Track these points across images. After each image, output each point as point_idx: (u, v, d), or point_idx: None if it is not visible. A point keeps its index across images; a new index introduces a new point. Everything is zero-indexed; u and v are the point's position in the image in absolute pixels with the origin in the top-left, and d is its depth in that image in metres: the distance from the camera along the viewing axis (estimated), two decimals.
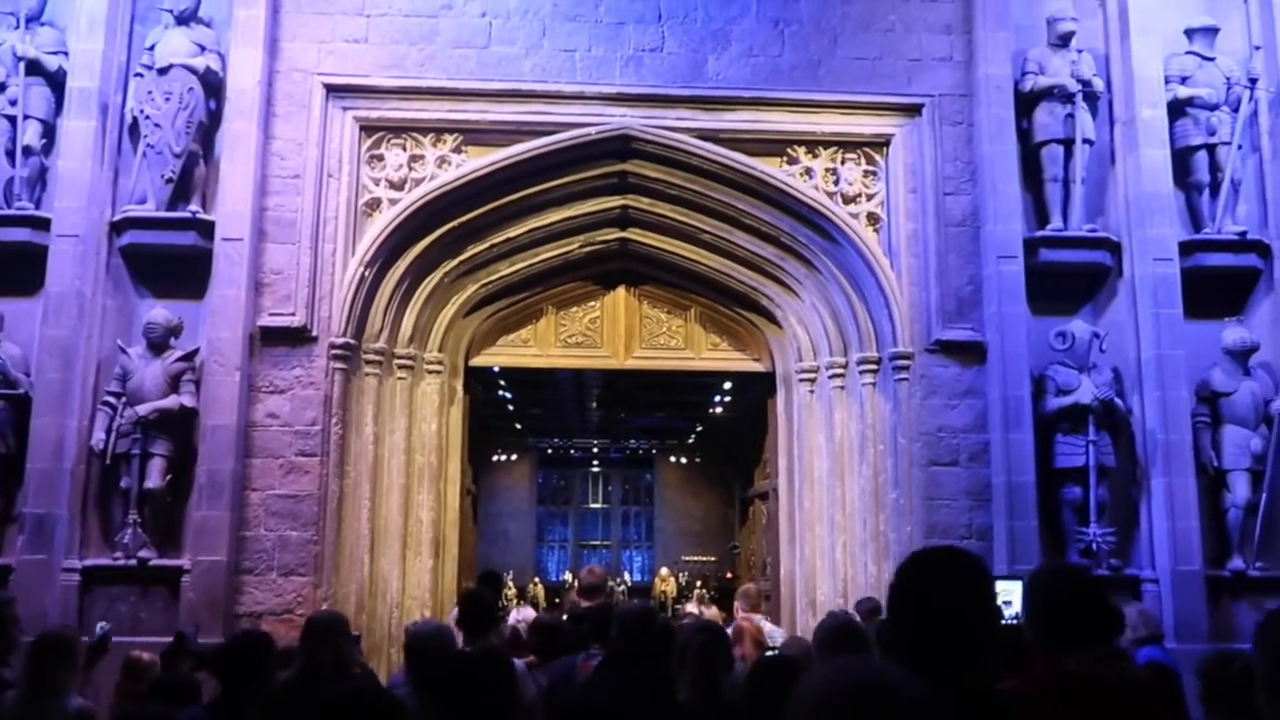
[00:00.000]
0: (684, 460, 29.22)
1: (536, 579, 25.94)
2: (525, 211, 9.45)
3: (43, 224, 8.72)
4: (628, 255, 9.89)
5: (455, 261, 9.41)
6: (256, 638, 4.75)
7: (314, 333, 8.78)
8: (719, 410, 21.05)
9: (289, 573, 8.50)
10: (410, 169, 9.15)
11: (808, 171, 9.30)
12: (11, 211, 8.79)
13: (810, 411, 9.61)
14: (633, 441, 29.10)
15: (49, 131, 8.94)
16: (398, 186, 9.13)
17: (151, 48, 9.06)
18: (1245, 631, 6.91)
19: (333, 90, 9.07)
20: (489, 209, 9.31)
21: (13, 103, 8.91)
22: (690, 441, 27.81)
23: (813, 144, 9.32)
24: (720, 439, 24.79)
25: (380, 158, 9.18)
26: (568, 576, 25.71)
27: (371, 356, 9.07)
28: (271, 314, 8.78)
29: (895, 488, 8.94)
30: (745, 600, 8.00)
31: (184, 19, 9.10)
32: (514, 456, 29.49)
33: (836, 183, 9.31)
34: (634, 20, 9.36)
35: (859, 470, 9.18)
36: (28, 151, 8.87)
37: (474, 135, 9.20)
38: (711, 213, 9.53)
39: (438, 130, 9.18)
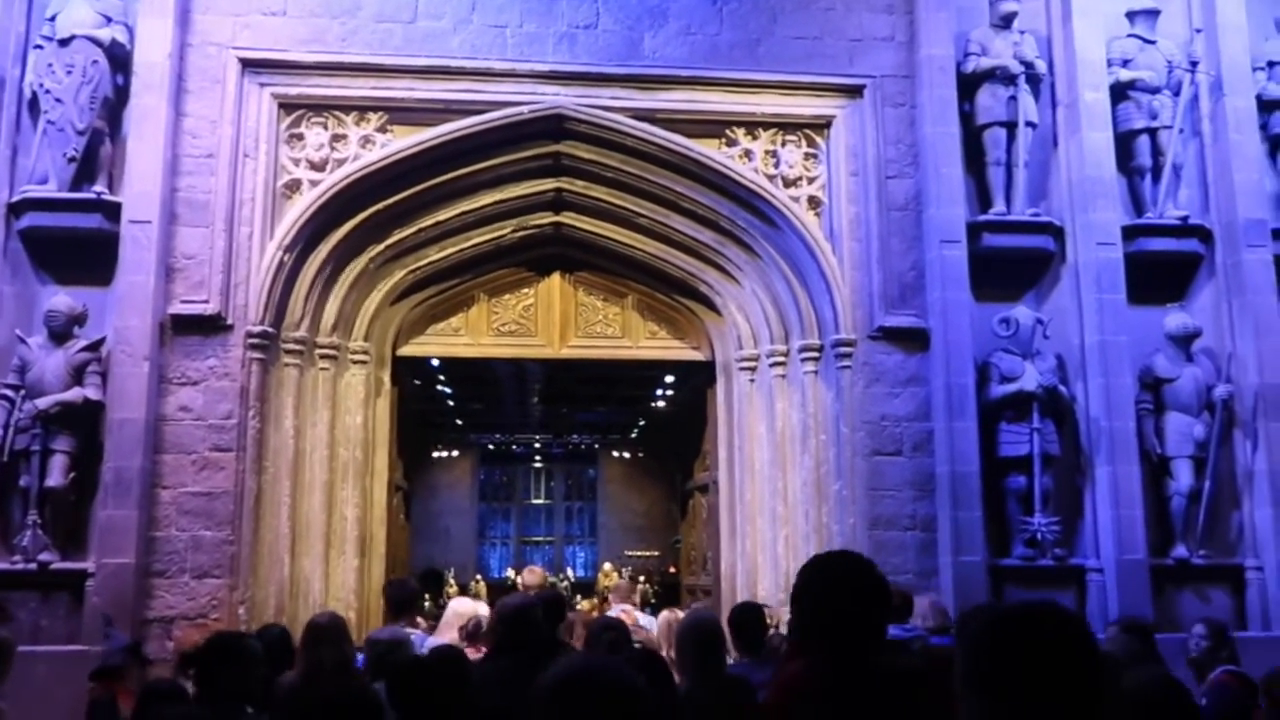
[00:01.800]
0: (627, 455, 28.96)
1: (479, 576, 25.51)
2: (455, 194, 9.05)
3: None
4: (562, 240, 9.53)
5: (381, 246, 8.98)
6: (235, 637, 4.71)
7: (229, 321, 8.30)
8: (661, 404, 20.83)
9: (203, 575, 8.02)
10: (332, 149, 8.71)
11: (747, 154, 9.02)
12: None
13: (751, 401, 9.34)
14: (575, 436, 28.80)
15: None
16: (319, 167, 8.67)
17: (53, 18, 8.51)
18: (1189, 620, 6.77)
19: (249, 65, 8.59)
20: (417, 191, 8.89)
21: None
22: (633, 436, 27.57)
23: (752, 125, 9.04)
24: (663, 432, 24.54)
25: (300, 137, 8.71)
26: (510, 573, 25.35)
27: (291, 346, 8.61)
28: (184, 301, 8.28)
29: (838, 478, 8.70)
30: (618, 594, 8.65)
31: None
32: (455, 453, 29.05)
33: (777, 165, 9.04)
34: None
35: (801, 461, 8.93)
36: None
37: (400, 114, 8.77)
38: (649, 196, 9.21)
39: (361, 108, 8.74)
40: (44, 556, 7.86)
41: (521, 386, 22.21)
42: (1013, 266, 8.90)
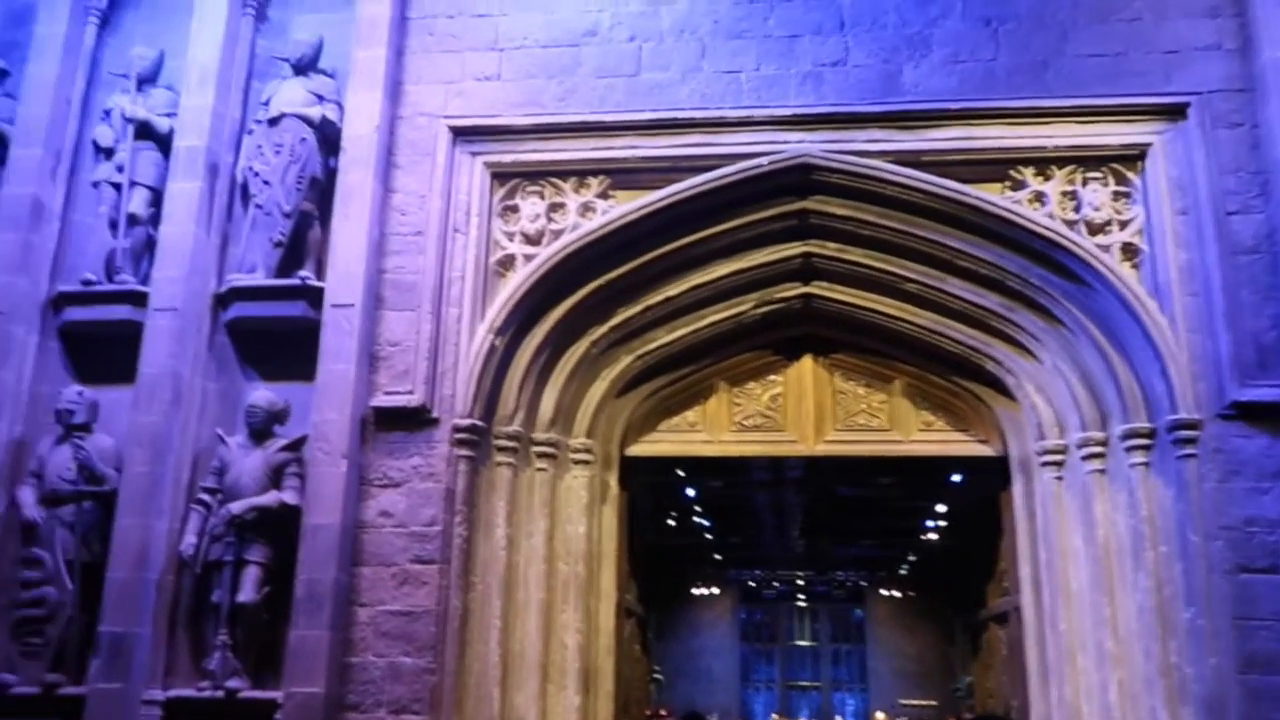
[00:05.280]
0: (896, 594, 26.72)
1: None
2: (686, 265, 7.84)
3: (144, 300, 7.71)
4: (813, 316, 8.09)
5: (604, 328, 7.85)
6: None
7: (435, 414, 7.31)
8: (932, 535, 18.79)
9: (401, 709, 6.85)
10: (549, 219, 7.73)
11: (1038, 197, 7.35)
12: (111, 287, 7.84)
13: (1060, 504, 7.42)
14: (840, 573, 26.99)
15: (159, 200, 8.01)
16: (534, 241, 7.70)
17: (267, 102, 8.09)
18: None
19: (460, 134, 7.81)
20: (643, 263, 7.75)
21: (120, 169, 8.07)
22: (902, 573, 25.33)
23: (1042, 162, 7.38)
24: (934, 568, 22.33)
25: (514, 209, 7.80)
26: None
27: (504, 443, 7.52)
28: (386, 392, 7.38)
29: (1189, 604, 6.59)
30: None
31: (302, 68, 8.11)
32: (715, 590, 27.84)
33: (1077, 209, 7.31)
34: (810, 31, 7.78)
35: (1134, 580, 6.88)
36: (133, 220, 7.96)
37: (623, 176, 7.72)
38: (916, 256, 7.67)
39: (580, 173, 7.76)
40: (233, 683, 6.97)
41: (780, 517, 20.84)
42: None
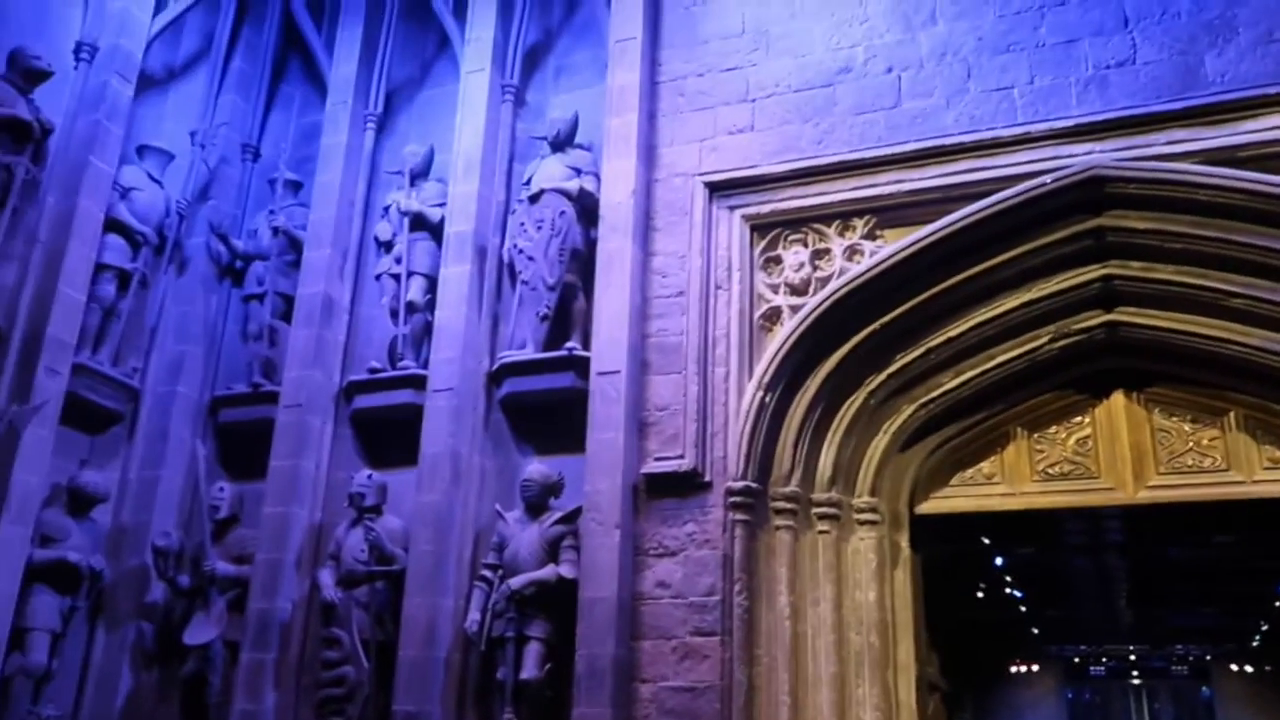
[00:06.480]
0: (1249, 669, 23.56)
1: None
2: (967, 301, 7.16)
3: (423, 383, 7.95)
4: (1120, 346, 7.17)
5: (882, 376, 7.28)
6: None
7: (707, 477, 7.00)
8: None
9: None
10: (814, 267, 7.33)
11: None
12: (394, 373, 8.16)
13: None
14: (1178, 647, 24.21)
15: (435, 287, 8.29)
16: (799, 291, 7.31)
17: (528, 182, 8.25)
18: None
19: (716, 189, 7.60)
20: (918, 302, 7.15)
21: (398, 260, 8.43)
22: (1254, 644, 22.37)
23: None
24: None
25: (777, 260, 7.46)
26: None
27: (781, 504, 7.06)
28: (656, 459, 7.14)
29: None
30: None
31: (559, 144, 8.24)
32: (1035, 668, 25.74)
33: None
34: (1089, 34, 7.04)
35: None
36: (411, 308, 8.29)
37: (889, 214, 7.22)
38: (1240, 266, 6.63)
39: (844, 215, 7.33)
40: None
41: (1103, 585, 18.97)
42: None
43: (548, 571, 7.10)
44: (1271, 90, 6.43)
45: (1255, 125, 6.46)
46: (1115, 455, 7.22)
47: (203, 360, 8.86)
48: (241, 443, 8.60)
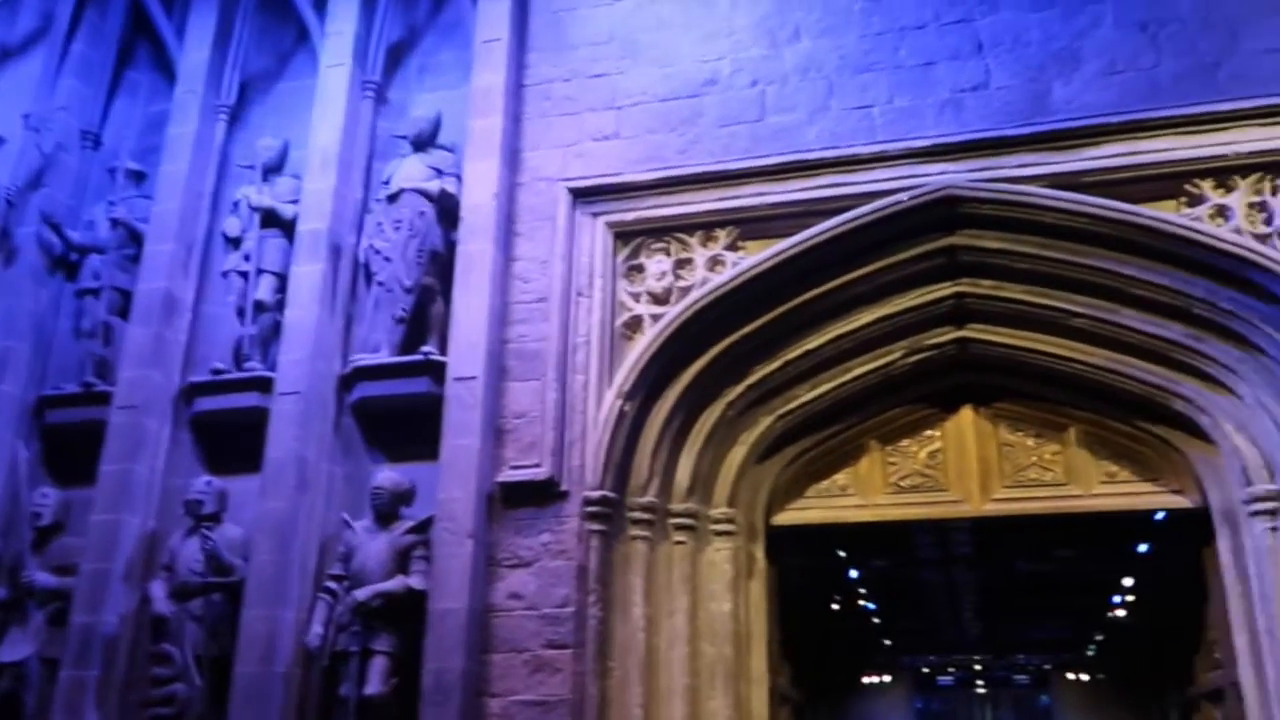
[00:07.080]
0: (1084, 677, 24.72)
1: None
2: (826, 315, 7.26)
3: (270, 385, 7.59)
4: (970, 363, 7.37)
5: (740, 387, 7.30)
6: None
7: (564, 486, 6.87)
8: (1120, 611, 17.26)
9: None
10: (676, 276, 7.31)
11: (1220, 211, 6.52)
12: (238, 375, 7.77)
13: (1276, 560, 6.41)
14: (1021, 657, 25.23)
15: (285, 286, 7.95)
16: (661, 299, 7.27)
17: (387, 181, 8.00)
18: None
19: (580, 195, 7.51)
20: (778, 315, 7.21)
21: (247, 257, 8.07)
22: (1090, 654, 23.45)
23: (1223, 173, 6.56)
24: (1126, 645, 20.51)
25: (639, 268, 7.41)
26: None
27: (638, 515, 7.00)
28: (513, 467, 6.99)
29: None
30: None
31: (421, 144, 8.03)
32: (887, 678, 26.39)
33: (1269, 220, 6.44)
34: (946, 57, 7.23)
35: None
36: (260, 308, 7.92)
37: (752, 225, 7.26)
38: (1082, 288, 6.90)
39: (707, 225, 7.33)
40: None
41: (952, 598, 19.63)
42: None
43: (396, 583, 6.84)
44: (1113, 119, 6.71)
45: (1098, 152, 6.72)
46: (964, 468, 7.41)
47: (29, 357, 8.27)
48: (70, 446, 8.06)
